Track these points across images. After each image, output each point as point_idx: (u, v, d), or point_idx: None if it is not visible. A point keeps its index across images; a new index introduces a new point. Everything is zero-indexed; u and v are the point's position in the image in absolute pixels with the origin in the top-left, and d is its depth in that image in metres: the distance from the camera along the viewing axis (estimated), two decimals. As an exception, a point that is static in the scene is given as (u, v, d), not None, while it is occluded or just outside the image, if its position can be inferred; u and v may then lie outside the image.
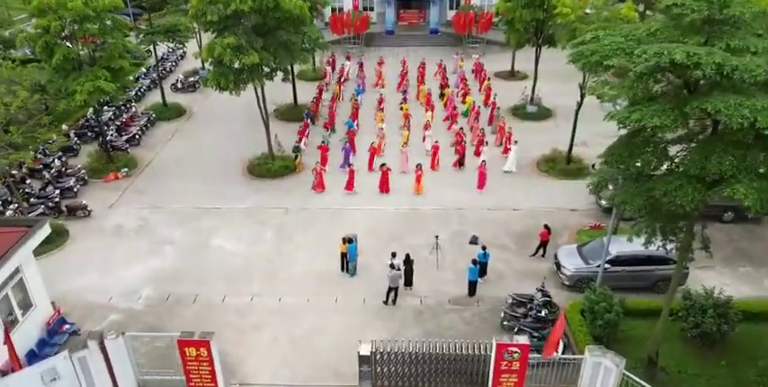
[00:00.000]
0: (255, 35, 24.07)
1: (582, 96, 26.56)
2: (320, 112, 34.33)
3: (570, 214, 24.49)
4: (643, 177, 12.84)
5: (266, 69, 25.90)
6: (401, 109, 32.48)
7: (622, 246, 18.97)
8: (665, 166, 13.03)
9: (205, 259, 21.81)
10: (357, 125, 31.68)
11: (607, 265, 18.96)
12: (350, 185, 25.92)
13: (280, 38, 24.29)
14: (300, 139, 29.66)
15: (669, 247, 14.77)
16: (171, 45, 39.53)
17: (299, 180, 27.24)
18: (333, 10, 47.74)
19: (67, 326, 17.93)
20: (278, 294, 19.95)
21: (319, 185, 26.05)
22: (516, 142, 27.87)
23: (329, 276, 20.81)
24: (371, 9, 50.43)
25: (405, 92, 35.46)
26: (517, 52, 40.20)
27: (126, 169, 27.67)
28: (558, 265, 20.24)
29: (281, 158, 28.12)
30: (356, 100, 33.94)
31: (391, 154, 28.90)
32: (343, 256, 20.70)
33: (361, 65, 39.73)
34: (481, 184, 26.02)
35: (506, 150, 29.01)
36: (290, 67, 32.76)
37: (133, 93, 36.16)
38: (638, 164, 12.60)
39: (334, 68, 40.57)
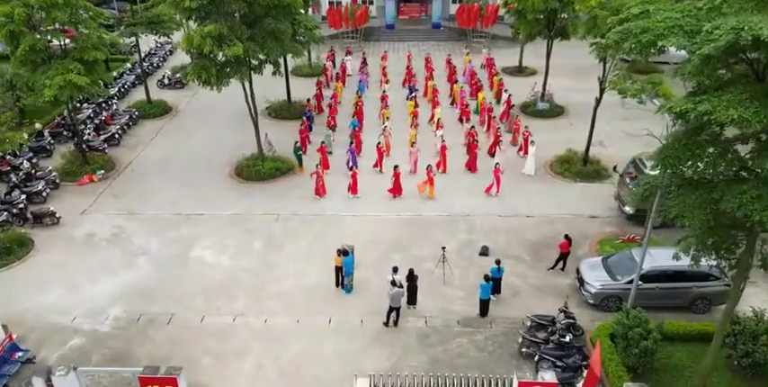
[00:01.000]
0: (241, 24, 21.77)
1: (601, 92, 24.23)
2: (321, 109, 31.98)
3: (589, 222, 22.15)
4: (704, 185, 10.47)
5: (254, 62, 23.64)
6: (410, 106, 30.11)
7: (655, 259, 16.66)
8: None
9: (184, 273, 19.48)
10: (361, 124, 29.37)
11: (639, 282, 16.65)
12: (354, 189, 23.58)
13: (267, 26, 21.93)
14: (303, 141, 27.25)
15: (719, 263, 12.51)
16: (157, 39, 37.11)
17: (292, 183, 24.91)
18: (330, 3, 45.46)
19: (20, 353, 15.59)
20: (264, 314, 17.62)
21: (320, 190, 23.69)
22: (533, 143, 25.50)
23: (323, 293, 18.49)
24: (371, 2, 48.11)
25: (411, 88, 33.09)
26: (525, 47, 37.95)
27: (102, 171, 25.32)
28: (581, 281, 17.90)
29: (272, 160, 25.79)
30: (359, 97, 31.56)
31: (397, 155, 26.54)
32: (338, 270, 18.37)
33: (363, 60, 37.36)
34: (492, 187, 23.68)
35: (523, 151, 26.66)
36: (282, 61, 30.49)
37: (116, 89, 33.84)
38: (701, 167, 10.22)
39: (334, 64, 38.20)
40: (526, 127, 27.13)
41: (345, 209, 22.99)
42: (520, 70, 38.43)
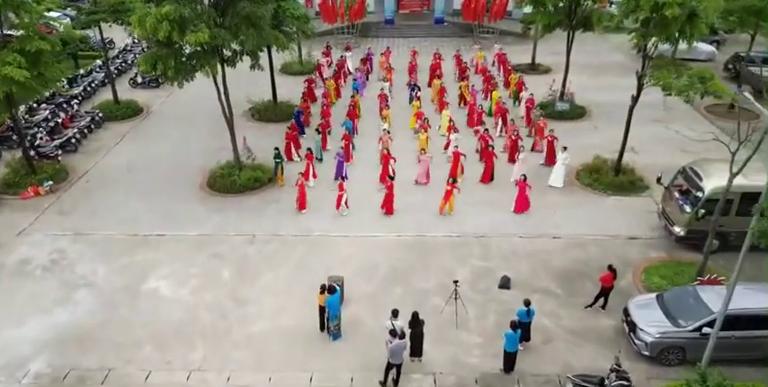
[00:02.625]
0: (209, 6, 18.08)
1: (639, 88, 20.44)
2: (311, 111, 28.26)
3: (629, 244, 18.38)
4: None
5: (227, 53, 19.94)
6: (415, 107, 26.36)
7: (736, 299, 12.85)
8: None
9: (132, 312, 15.68)
10: (355, 127, 25.65)
11: (707, 329, 12.88)
12: (338, 204, 19.83)
13: (242, 10, 18.20)
14: (288, 146, 23.49)
15: None
16: (131, 32, 33.32)
17: (272, 197, 21.14)
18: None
19: None
20: (227, 369, 13.80)
21: (300, 203, 19.96)
22: (565, 149, 21.69)
23: (303, 339, 14.68)
24: (369, -4, 44.45)
25: (415, 87, 29.34)
26: (537, 43, 34.31)
27: (50, 183, 21.52)
28: (632, 326, 14.06)
29: (251, 169, 22.01)
30: (355, 97, 27.83)
31: (400, 162, 22.86)
32: (323, 310, 14.58)
33: (367, 56, 33.60)
34: (521, 206, 19.90)
35: (550, 159, 22.89)
36: (267, 56, 26.81)
37: (81, 88, 30.12)
38: None
39: (330, 61, 34.48)
40: (551, 131, 23.31)
41: (335, 228, 19.21)
42: (533, 68, 34.75)
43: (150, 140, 25.90)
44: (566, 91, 28.19)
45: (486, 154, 22.05)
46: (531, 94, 26.82)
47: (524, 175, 19.91)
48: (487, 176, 21.97)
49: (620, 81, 32.90)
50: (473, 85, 28.98)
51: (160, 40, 17.49)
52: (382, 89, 28.70)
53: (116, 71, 32.72)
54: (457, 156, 21.61)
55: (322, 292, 14.34)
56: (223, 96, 20.66)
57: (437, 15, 42.75)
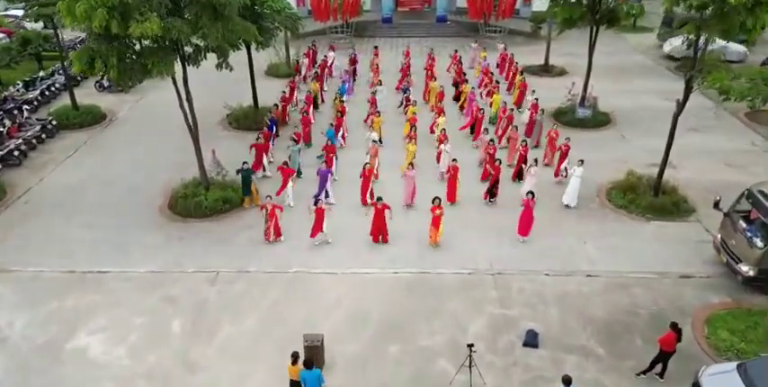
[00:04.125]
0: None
1: (688, 92, 16.92)
2: (290, 117, 24.81)
3: (682, 285, 14.82)
4: None
5: (188, 49, 16.48)
6: (410, 112, 22.89)
7: None
8: None
9: (50, 379, 12.11)
10: (344, 137, 22.19)
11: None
12: (314, 230, 16.23)
13: None
14: (259, 159, 19.99)
15: None
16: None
17: (244, 222, 17.58)
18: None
19: None
20: None
21: (273, 232, 16.42)
22: (582, 163, 18.14)
23: (270, 423, 11.15)
24: (365, -7, 41.09)
25: (407, 90, 25.87)
26: (550, 42, 30.90)
27: (-21, 205, 18.06)
28: (708, 409, 10.53)
29: (221, 187, 18.50)
30: (341, 102, 24.42)
31: (389, 180, 19.37)
32: (296, 385, 11.00)
33: (353, 57, 30.19)
34: (524, 228, 16.38)
35: (558, 168, 19.50)
36: (247, 54, 23.38)
37: (38, 92, 26.65)
38: None
39: (314, 61, 31.06)
40: (567, 139, 19.76)
41: (318, 262, 15.67)
42: (546, 70, 31.31)
43: (109, 153, 22.37)
44: (587, 95, 24.70)
45: (491, 167, 18.49)
46: (536, 98, 23.24)
47: (532, 193, 16.33)
48: (494, 194, 18.43)
49: (644, 84, 29.65)
50: (473, 88, 25.51)
51: (100, 33, 14.02)
52: (373, 93, 25.25)
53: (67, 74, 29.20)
54: (455, 172, 18.04)
55: (294, 363, 10.77)
56: (185, 102, 17.21)
57: (439, 13, 39.37)
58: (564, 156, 19.50)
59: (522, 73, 27.46)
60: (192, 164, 18.93)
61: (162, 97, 25.54)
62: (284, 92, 25.29)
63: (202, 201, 17.82)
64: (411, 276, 15.11)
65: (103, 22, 13.30)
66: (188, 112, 17.33)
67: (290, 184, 18.04)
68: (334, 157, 19.87)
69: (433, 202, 15.98)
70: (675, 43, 33.16)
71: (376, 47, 32.23)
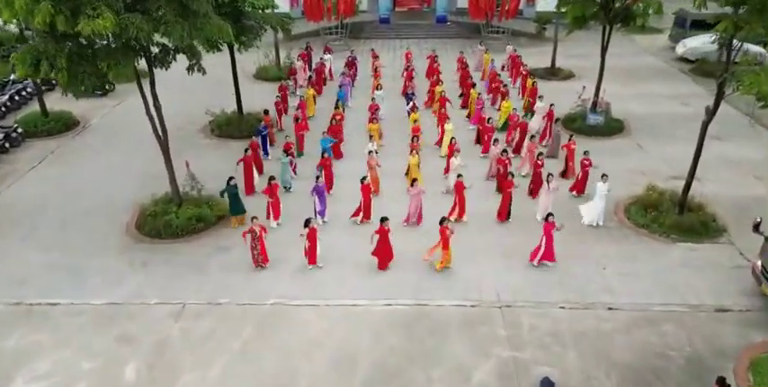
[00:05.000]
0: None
1: (720, 97, 14.96)
2: (283, 124, 22.89)
3: (718, 320, 12.84)
4: None
5: (154, 49, 14.57)
6: (412, 120, 21.07)
7: None
8: None
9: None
10: (337, 148, 20.28)
11: None
12: (312, 256, 14.36)
13: None
14: (247, 173, 18.04)
15: None
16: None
17: (219, 243, 15.63)
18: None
19: None
20: None
21: (258, 258, 14.45)
22: (605, 178, 16.12)
23: None
24: (361, -7, 39.31)
25: (409, 96, 23.98)
26: (557, 43, 29.04)
27: (-77, 224, 16.11)
28: None
29: (195, 204, 16.55)
30: (338, 109, 22.43)
31: (390, 196, 17.46)
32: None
33: (351, 60, 28.31)
34: (546, 255, 14.43)
35: (580, 187, 17.52)
36: (230, 55, 21.53)
37: (6, 97, 24.76)
38: None
39: (309, 64, 29.15)
40: (586, 153, 17.78)
41: (300, 291, 13.72)
42: (552, 73, 29.41)
43: (77, 164, 20.45)
44: (599, 100, 22.78)
45: (504, 184, 16.55)
46: (552, 104, 21.35)
47: (551, 214, 14.35)
48: (504, 213, 16.51)
49: (658, 88, 27.77)
50: (479, 94, 23.58)
51: (46, 31, 12.13)
52: (373, 99, 23.37)
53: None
54: (460, 188, 16.09)
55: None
56: (152, 109, 15.30)
57: (439, 13, 37.54)
58: (585, 174, 17.50)
59: (532, 76, 25.46)
60: (166, 176, 17.01)
61: (139, 102, 23.85)
62: (277, 96, 23.34)
63: (173, 219, 15.86)
64: (406, 309, 13.15)
65: (48, 17, 11.41)
66: (156, 119, 15.38)
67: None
68: (329, 171, 18.04)
69: (441, 223, 14.01)
70: (690, 44, 31.33)
71: (373, 49, 30.35)
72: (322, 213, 16.29)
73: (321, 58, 28.73)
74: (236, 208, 16.27)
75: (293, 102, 24.25)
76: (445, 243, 14.06)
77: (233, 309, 13.18)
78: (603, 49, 21.78)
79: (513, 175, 16.70)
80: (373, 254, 14.35)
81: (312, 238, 14.09)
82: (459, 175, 16.34)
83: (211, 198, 17.04)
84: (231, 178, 16.19)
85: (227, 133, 22.29)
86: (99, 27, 11.76)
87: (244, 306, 13.25)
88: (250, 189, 17.87)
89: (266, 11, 20.32)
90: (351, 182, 17.00)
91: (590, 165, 17.41)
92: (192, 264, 14.75)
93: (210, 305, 13.30)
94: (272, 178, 16.34)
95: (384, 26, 37.26)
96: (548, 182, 16.06)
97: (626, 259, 14.85)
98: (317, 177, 16.26)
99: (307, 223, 14.08)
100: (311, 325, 12.71)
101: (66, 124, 23.16)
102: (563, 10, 21.76)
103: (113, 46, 13.33)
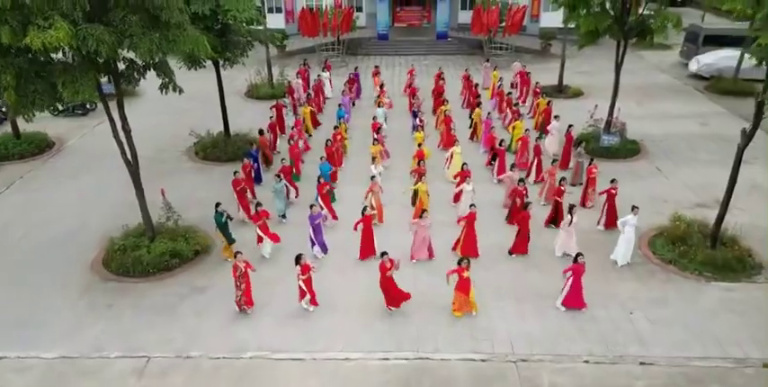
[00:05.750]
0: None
1: (758, 118, 13.31)
2: (278, 145, 21.24)
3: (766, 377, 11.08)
4: None
5: (121, 65, 12.98)
6: (418, 138, 19.47)
7: None
8: None
9: None
10: (334, 173, 18.62)
11: None
12: (312, 297, 12.62)
13: None
14: (244, 201, 16.33)
15: None
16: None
17: (196, 282, 13.84)
18: (303, 8, 35.09)
19: None
20: None
21: (243, 300, 12.66)
22: (636, 210, 14.31)
23: None
24: (359, 9, 38.11)
25: (415, 113, 22.42)
26: (564, 58, 27.59)
27: None
28: None
29: (170, 237, 14.81)
30: (339, 129, 20.75)
31: (396, 226, 15.76)
32: None
33: (353, 78, 26.79)
34: (575, 300, 12.65)
35: (611, 219, 15.72)
36: (215, 71, 20.02)
37: (-22, 117, 23.24)
38: None
39: (308, 83, 27.55)
40: (613, 181, 15.96)
41: (284, 343, 11.90)
42: (560, 90, 27.89)
43: (47, 190, 18.76)
44: (613, 120, 21.19)
45: (520, 216, 14.82)
46: (571, 125, 19.75)
47: (581, 255, 12.58)
48: (522, 246, 14.78)
49: (672, 107, 26.24)
50: (489, 114, 21.99)
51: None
52: (375, 117, 21.77)
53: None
54: (472, 219, 14.38)
55: None
56: (121, 132, 13.66)
57: (439, 29, 36.18)
58: (612, 205, 15.76)
59: (543, 94, 23.83)
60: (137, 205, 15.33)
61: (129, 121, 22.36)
62: (271, 118, 21.68)
63: (144, 255, 14.11)
64: (405, 365, 11.34)
65: (-18, 28, 9.81)
66: (125, 143, 13.73)
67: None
68: (329, 199, 16.39)
69: (460, 263, 12.23)
70: (704, 61, 29.88)
71: (377, 66, 28.78)
72: (322, 247, 14.60)
73: (319, 76, 27.20)
74: (227, 238, 14.56)
75: (290, 121, 22.59)
76: (463, 287, 12.28)
77: (204, 364, 11.36)
78: (618, 66, 20.23)
79: (530, 205, 14.89)
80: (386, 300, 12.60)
81: (307, 276, 12.33)
82: (471, 205, 14.59)
83: (189, 229, 15.34)
84: (218, 204, 14.45)
85: (212, 156, 20.64)
86: (51, 39, 10.17)
87: (217, 360, 11.44)
88: (249, 214, 16.07)
89: (253, 26, 18.73)
90: (351, 209, 15.33)
91: (616, 193, 15.71)
92: (162, 307, 12.96)
93: (179, 359, 11.48)
94: (258, 205, 14.66)
95: (383, 42, 35.90)
96: (571, 214, 14.33)
97: (655, 302, 13.07)
98: (312, 206, 14.57)
99: (298, 260, 12.35)
100: (294, 384, 10.89)
101: (39, 146, 21.55)
102: (572, 24, 20.16)
103: (70, 61, 11.72)
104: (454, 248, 14.67)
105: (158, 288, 13.68)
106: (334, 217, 16.08)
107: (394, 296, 12.55)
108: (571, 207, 14.56)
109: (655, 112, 25.20)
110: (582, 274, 12.43)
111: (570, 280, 12.52)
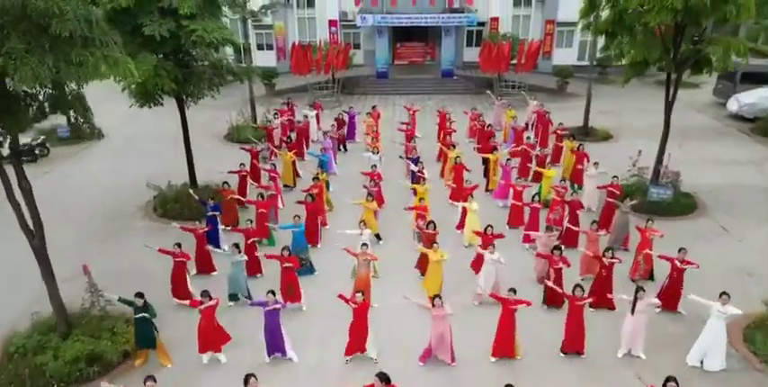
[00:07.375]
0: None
1: None
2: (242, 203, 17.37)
3: None
4: None
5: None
6: (421, 194, 15.55)
7: None
8: None
9: None
10: (314, 235, 14.75)
11: None
12: None
13: (31, 8, 7.61)
14: (179, 275, 12.51)
15: None
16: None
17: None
18: (294, 43, 31.97)
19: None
20: None
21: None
22: (726, 298, 10.34)
23: None
24: (357, 46, 35.20)
25: (414, 160, 18.43)
26: (591, 96, 24.24)
27: None
28: None
29: (91, 332, 10.77)
30: (319, 179, 16.98)
31: (390, 312, 11.74)
32: None
33: (341, 119, 23.25)
34: None
35: (674, 300, 11.78)
36: (179, 110, 16.45)
37: None
38: None
39: (292, 124, 23.87)
40: (681, 250, 12.10)
41: None
42: (586, 133, 24.31)
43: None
44: (664, 169, 17.47)
45: (565, 298, 10.85)
46: (615, 177, 16.03)
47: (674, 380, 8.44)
48: (576, 342, 10.73)
49: (719, 151, 22.61)
50: (508, 159, 18.27)
51: None
52: (374, 166, 17.86)
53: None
54: (509, 309, 10.39)
55: None
56: (18, 191, 9.89)
57: (444, 67, 33.02)
58: (678, 282, 11.84)
59: (572, 138, 20.09)
60: (68, 281, 11.47)
61: (81, 170, 18.71)
62: (242, 164, 17.99)
63: (49, 362, 10.04)
64: None
65: None
66: (22, 208, 9.94)
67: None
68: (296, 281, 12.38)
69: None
70: (746, 100, 26.51)
71: (375, 106, 25.14)
72: (279, 351, 10.57)
73: (305, 115, 23.59)
74: (145, 341, 10.51)
75: (263, 169, 18.74)
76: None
77: None
78: (669, 104, 16.83)
79: (581, 289, 10.92)
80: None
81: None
82: (510, 290, 10.59)
83: (121, 319, 11.32)
84: (137, 295, 10.49)
85: (172, 213, 16.74)
86: None
87: None
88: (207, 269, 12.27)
89: (222, 48, 15.25)
90: (330, 286, 11.36)
91: (688, 264, 11.79)
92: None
93: None
94: (204, 294, 10.69)
95: (382, 81, 32.66)
96: (636, 298, 10.35)
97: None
98: (269, 292, 10.58)
99: (246, 381, 8.31)
100: None
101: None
102: (612, 52, 16.65)
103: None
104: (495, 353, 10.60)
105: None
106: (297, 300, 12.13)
107: None
108: (638, 290, 10.61)
109: (701, 158, 21.55)
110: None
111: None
